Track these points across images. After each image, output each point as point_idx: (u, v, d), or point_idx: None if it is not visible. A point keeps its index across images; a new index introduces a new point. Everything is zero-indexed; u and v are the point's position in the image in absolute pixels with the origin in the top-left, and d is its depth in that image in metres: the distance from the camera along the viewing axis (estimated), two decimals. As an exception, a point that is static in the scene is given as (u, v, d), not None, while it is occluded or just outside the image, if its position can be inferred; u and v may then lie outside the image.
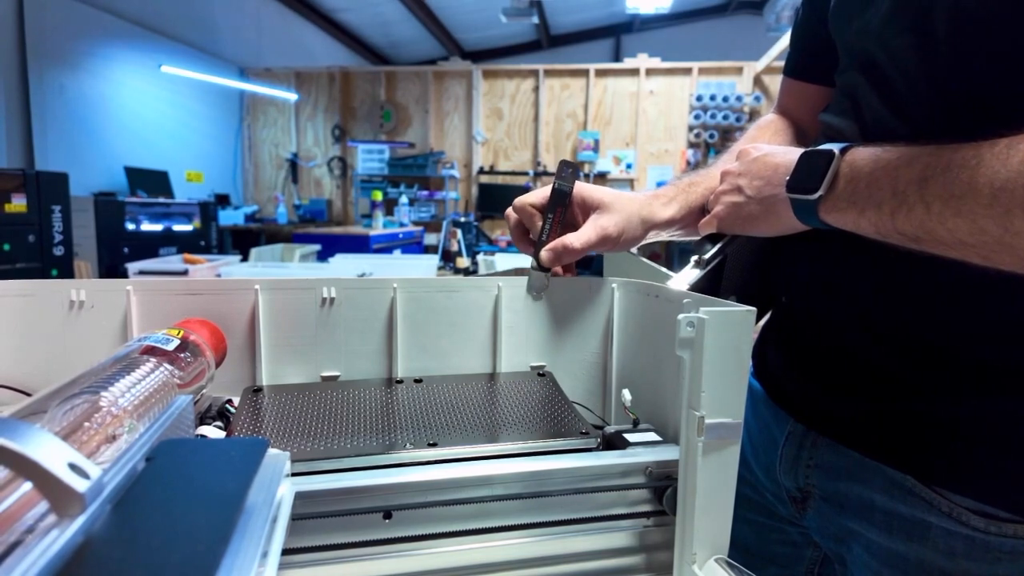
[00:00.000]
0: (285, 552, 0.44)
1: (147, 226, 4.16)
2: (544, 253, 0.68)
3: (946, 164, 0.40)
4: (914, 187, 0.42)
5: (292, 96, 5.93)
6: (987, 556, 0.46)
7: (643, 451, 0.54)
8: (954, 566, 0.48)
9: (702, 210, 0.67)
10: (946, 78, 0.44)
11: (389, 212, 5.30)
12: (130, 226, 4.02)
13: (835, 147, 0.48)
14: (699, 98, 5.56)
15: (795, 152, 0.52)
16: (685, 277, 0.62)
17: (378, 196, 4.83)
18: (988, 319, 0.46)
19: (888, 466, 0.51)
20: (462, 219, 4.81)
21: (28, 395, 0.63)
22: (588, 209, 0.68)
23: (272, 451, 0.42)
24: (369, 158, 5.80)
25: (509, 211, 0.73)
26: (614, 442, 0.58)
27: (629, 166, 5.74)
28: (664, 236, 0.71)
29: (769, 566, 0.70)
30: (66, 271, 3.22)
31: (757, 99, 5.51)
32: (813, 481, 0.59)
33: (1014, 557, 0.45)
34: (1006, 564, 0.46)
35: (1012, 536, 0.45)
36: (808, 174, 0.49)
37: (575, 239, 0.66)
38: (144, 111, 4.79)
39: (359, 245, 3.93)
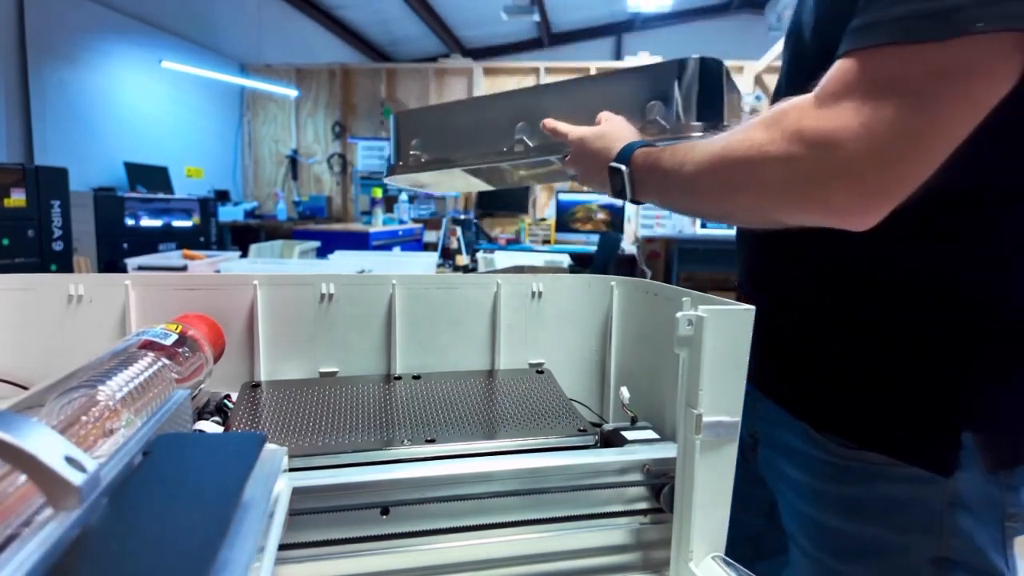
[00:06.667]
0: (282, 547, 0.44)
1: (146, 222, 4.15)
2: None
3: (675, 150, 0.58)
4: (668, 176, 0.59)
5: (292, 92, 5.91)
6: (843, 477, 0.57)
7: (641, 449, 0.54)
8: (824, 487, 0.59)
9: None
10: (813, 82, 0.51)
11: (389, 209, 5.29)
12: (129, 222, 4.01)
13: (624, 171, 0.64)
14: (700, 97, 5.53)
15: (615, 149, 0.66)
16: None
17: (378, 193, 4.82)
18: (855, 287, 0.57)
19: (793, 416, 0.62)
20: (462, 217, 4.81)
21: (26, 389, 0.63)
22: None
23: (270, 446, 0.42)
24: (369, 155, 5.78)
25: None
26: (612, 439, 0.58)
27: (629, 165, 5.72)
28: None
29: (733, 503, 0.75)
30: (65, 266, 3.22)
31: (758, 98, 5.50)
32: (759, 428, 0.69)
33: (860, 476, 0.57)
34: (854, 484, 0.57)
35: (857, 460, 0.56)
36: (616, 189, 0.66)
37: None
38: (144, 107, 4.78)
39: (359, 242, 3.92)
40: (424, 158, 0.85)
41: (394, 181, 0.90)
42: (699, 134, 0.67)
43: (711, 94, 0.68)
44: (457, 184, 1.00)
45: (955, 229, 0.52)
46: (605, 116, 0.73)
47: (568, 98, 0.77)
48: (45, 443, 0.27)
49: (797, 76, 0.59)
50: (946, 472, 0.53)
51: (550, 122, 0.75)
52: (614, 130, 0.70)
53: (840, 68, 0.46)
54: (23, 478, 0.27)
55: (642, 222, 4.94)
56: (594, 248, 4.35)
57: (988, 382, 0.54)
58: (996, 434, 0.54)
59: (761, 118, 0.50)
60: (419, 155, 0.85)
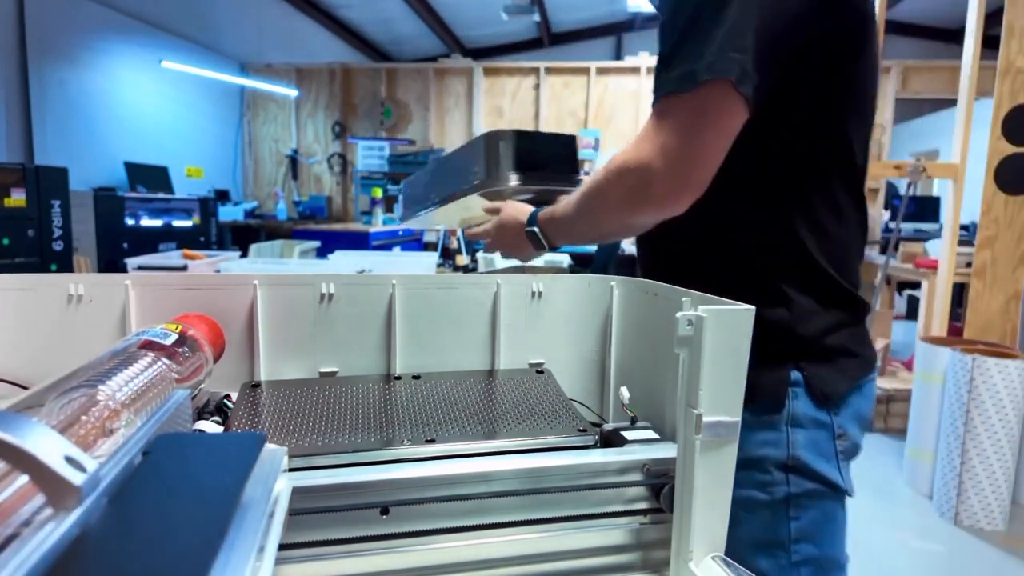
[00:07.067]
0: (282, 547, 0.44)
1: (146, 221, 4.15)
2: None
3: (561, 203, 0.84)
4: (562, 221, 0.84)
5: (293, 92, 5.91)
6: None
7: (640, 448, 0.54)
8: None
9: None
10: None
11: (389, 209, 5.30)
12: (129, 221, 4.01)
13: (536, 230, 0.87)
14: (700, 97, 5.53)
15: (523, 222, 0.90)
16: None
17: (378, 193, 4.82)
18: (688, 267, 0.79)
19: None
20: (462, 216, 4.80)
21: (26, 389, 0.63)
22: None
23: (269, 446, 0.42)
24: (369, 155, 5.78)
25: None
26: (612, 439, 0.58)
27: (629, 165, 5.72)
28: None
29: None
30: (65, 266, 3.22)
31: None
32: None
33: None
34: None
35: None
36: (537, 241, 0.89)
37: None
38: (144, 106, 4.78)
39: (359, 242, 3.93)
40: (409, 205, 1.18)
41: (409, 225, 1.22)
42: (514, 184, 0.95)
43: (519, 157, 0.95)
44: (455, 220, 1.24)
45: (779, 215, 0.74)
46: (493, 207, 0.99)
47: (449, 163, 1.06)
48: (45, 443, 0.27)
49: None
50: (778, 405, 0.73)
51: (470, 233, 1.04)
52: (512, 213, 0.93)
53: (648, 117, 0.71)
54: (23, 478, 0.27)
55: (642, 222, 4.93)
56: (594, 248, 4.35)
57: (810, 335, 0.74)
58: (818, 374, 0.74)
59: (603, 165, 0.75)
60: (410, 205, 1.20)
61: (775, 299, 0.75)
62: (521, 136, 0.94)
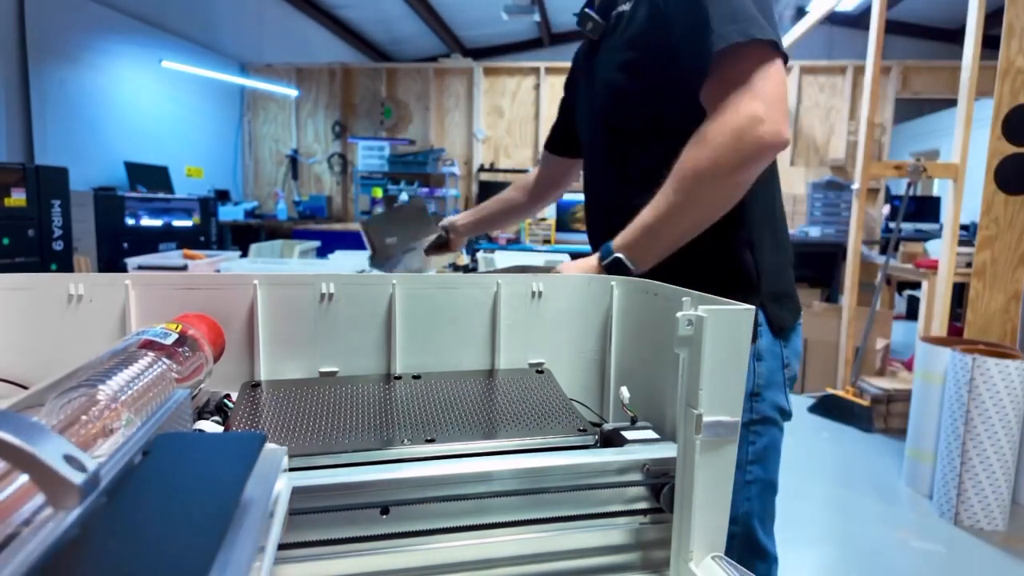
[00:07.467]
0: (282, 547, 0.44)
1: (147, 221, 4.15)
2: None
3: (641, 216, 0.82)
4: (652, 231, 0.81)
5: (293, 92, 5.92)
6: None
7: (641, 448, 0.54)
8: None
9: (484, 220, 1.35)
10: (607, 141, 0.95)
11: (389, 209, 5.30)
12: (130, 221, 4.01)
13: (621, 256, 0.82)
14: (700, 97, 5.52)
15: (592, 264, 0.86)
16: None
17: (378, 193, 4.83)
18: (683, 268, 0.80)
19: None
20: (462, 216, 4.80)
21: (26, 388, 0.63)
22: None
23: (269, 446, 0.42)
24: (369, 155, 5.78)
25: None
26: (612, 439, 0.58)
27: (629, 165, 5.71)
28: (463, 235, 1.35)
29: None
30: (65, 266, 3.22)
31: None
32: None
33: None
34: None
35: None
36: (622, 271, 0.83)
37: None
38: (144, 106, 4.78)
39: (359, 242, 3.92)
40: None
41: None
42: (394, 251, 1.29)
43: (387, 232, 1.31)
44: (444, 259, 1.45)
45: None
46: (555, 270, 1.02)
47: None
48: (45, 442, 0.27)
49: (617, 147, 0.94)
50: (753, 339, 0.77)
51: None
52: (571, 268, 0.91)
53: (709, 95, 0.78)
54: (23, 477, 0.27)
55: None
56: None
57: (769, 276, 0.86)
58: (774, 311, 0.86)
59: (692, 144, 0.78)
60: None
61: (744, 244, 0.86)
62: (380, 219, 1.34)
